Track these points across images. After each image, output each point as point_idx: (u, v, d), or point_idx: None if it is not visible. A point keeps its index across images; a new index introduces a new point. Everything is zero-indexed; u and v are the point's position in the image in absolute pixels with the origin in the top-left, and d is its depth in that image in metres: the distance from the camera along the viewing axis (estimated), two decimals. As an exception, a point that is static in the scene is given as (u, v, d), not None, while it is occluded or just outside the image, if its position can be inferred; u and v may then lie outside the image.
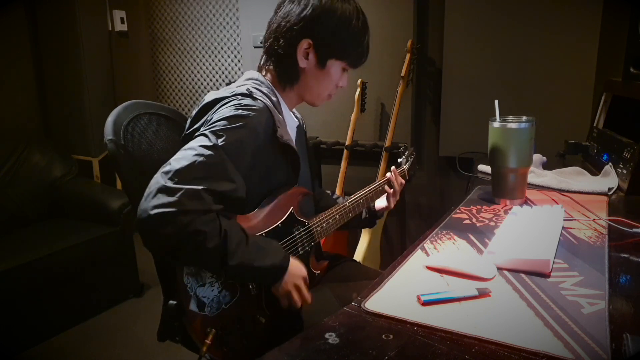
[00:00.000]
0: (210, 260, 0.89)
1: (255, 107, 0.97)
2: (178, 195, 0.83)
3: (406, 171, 1.44)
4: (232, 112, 0.95)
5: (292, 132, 1.13)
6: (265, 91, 1.05)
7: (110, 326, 2.25)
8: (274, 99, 1.06)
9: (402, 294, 0.79)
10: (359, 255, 2.27)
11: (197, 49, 3.06)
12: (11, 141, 2.58)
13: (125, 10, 3.07)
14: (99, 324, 2.27)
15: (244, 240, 0.92)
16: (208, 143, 0.90)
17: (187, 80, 3.16)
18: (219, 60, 3.02)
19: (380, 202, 1.37)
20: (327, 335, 0.66)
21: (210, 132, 0.92)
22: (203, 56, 3.06)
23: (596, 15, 1.94)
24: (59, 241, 2.20)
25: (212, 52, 3.02)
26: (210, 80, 3.09)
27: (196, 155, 0.88)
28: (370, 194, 1.28)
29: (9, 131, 2.66)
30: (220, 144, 0.90)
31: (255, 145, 0.97)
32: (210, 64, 3.05)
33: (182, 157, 0.88)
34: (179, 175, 0.85)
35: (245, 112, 0.95)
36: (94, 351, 2.06)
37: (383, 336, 0.66)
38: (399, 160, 1.48)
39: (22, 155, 2.56)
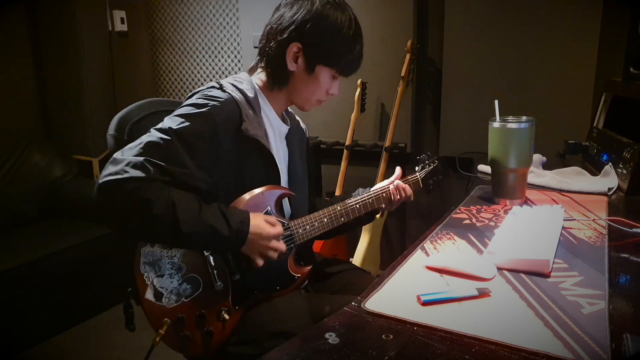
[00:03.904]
0: (161, 229, 0.90)
1: (219, 98, 1.00)
2: (122, 164, 0.89)
3: (420, 179, 1.30)
4: (195, 101, 1.00)
5: (272, 132, 1.12)
6: (243, 87, 1.06)
7: (110, 326, 2.25)
8: (250, 95, 1.06)
9: (402, 294, 0.79)
10: (359, 255, 2.27)
11: (197, 49, 3.06)
12: (11, 141, 2.58)
13: (125, 10, 3.07)
14: (99, 324, 2.27)
15: (197, 209, 0.92)
16: (161, 126, 0.95)
17: (187, 80, 3.16)
18: (219, 60, 3.01)
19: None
20: (327, 335, 0.66)
21: (168, 117, 0.98)
22: (203, 56, 3.05)
23: (596, 15, 1.94)
24: (59, 241, 2.20)
25: (212, 52, 3.02)
26: (210, 80, 3.09)
27: (148, 135, 0.94)
28: (370, 200, 1.19)
29: (9, 131, 2.66)
30: (172, 127, 0.94)
31: (213, 134, 0.98)
32: (210, 64, 3.05)
33: (138, 139, 0.95)
34: (129, 150, 0.92)
35: (206, 101, 0.99)
36: (94, 351, 2.06)
37: (383, 336, 0.66)
38: (416, 168, 1.34)
39: (22, 155, 2.56)
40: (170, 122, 0.95)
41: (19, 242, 2.24)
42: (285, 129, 1.18)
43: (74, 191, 2.58)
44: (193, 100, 1.00)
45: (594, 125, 1.73)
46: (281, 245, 1.03)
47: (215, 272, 0.99)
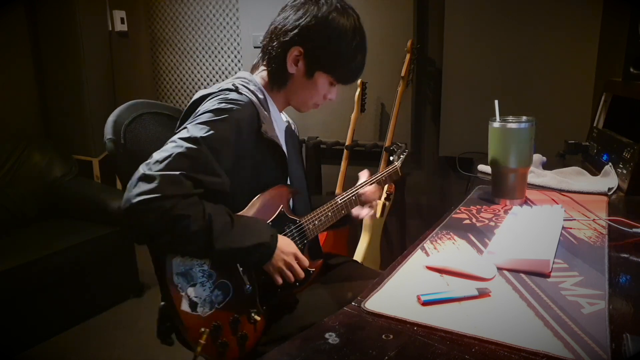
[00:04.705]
0: (196, 245, 0.90)
1: (240, 101, 0.99)
2: (157, 181, 0.85)
3: (398, 168, 1.41)
4: (216, 106, 0.97)
5: (279, 131, 1.14)
6: (252, 88, 1.06)
7: (110, 326, 2.25)
8: (260, 96, 1.07)
9: (402, 294, 0.78)
10: (359, 255, 2.27)
11: (197, 49, 3.06)
12: (11, 141, 2.58)
13: (125, 10, 3.07)
14: (99, 324, 2.27)
15: (230, 223, 0.93)
16: (189, 135, 0.92)
17: (187, 80, 3.16)
18: (219, 60, 3.02)
19: (356, 211, 1.30)
20: (327, 335, 0.66)
21: (192, 124, 0.94)
22: (203, 56, 3.05)
23: (596, 15, 1.94)
24: (59, 241, 2.20)
25: (212, 52, 3.02)
26: (210, 80, 3.09)
27: (176, 146, 0.90)
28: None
29: (9, 131, 2.66)
30: (201, 136, 0.92)
31: (237, 139, 0.98)
32: (210, 64, 3.05)
33: (163, 149, 0.91)
34: (158, 164, 0.88)
35: (229, 106, 0.97)
36: (94, 351, 2.06)
37: (383, 336, 0.66)
38: (391, 158, 1.46)
39: (22, 155, 2.56)
40: (196, 130, 0.93)
41: (19, 242, 2.24)
42: (283, 125, 1.20)
43: (74, 191, 2.58)
44: (214, 105, 0.97)
45: (594, 125, 1.72)
46: (301, 272, 1.05)
47: (244, 274, 1.00)
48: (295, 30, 1.04)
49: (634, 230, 1.03)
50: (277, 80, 1.11)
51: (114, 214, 2.38)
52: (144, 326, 2.21)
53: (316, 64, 1.08)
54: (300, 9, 1.05)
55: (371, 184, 1.28)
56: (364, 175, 1.31)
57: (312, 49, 1.06)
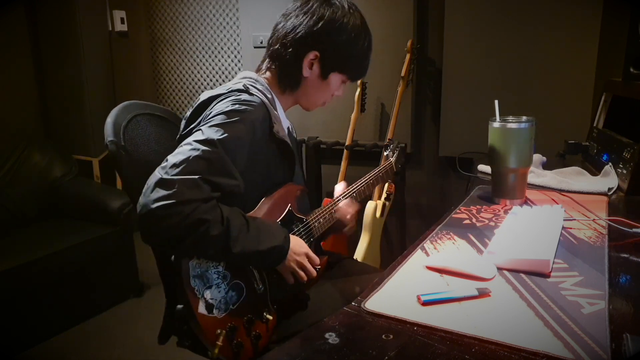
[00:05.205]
0: (214, 249, 0.89)
1: (252, 102, 0.99)
2: (176, 186, 0.84)
3: (393, 163, 1.45)
4: (230, 107, 0.96)
5: (286, 132, 1.15)
6: (261, 88, 1.07)
7: (110, 326, 2.25)
8: (269, 96, 1.07)
9: (402, 294, 0.79)
10: (359, 255, 2.27)
11: (197, 49, 3.06)
12: (11, 141, 2.58)
13: (125, 10, 3.07)
14: (99, 324, 2.27)
15: (245, 226, 0.93)
16: (204, 137, 0.91)
17: (187, 80, 3.16)
18: (219, 60, 3.02)
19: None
20: (327, 335, 0.66)
21: (206, 127, 0.93)
22: (203, 56, 3.05)
23: (596, 15, 1.94)
24: (59, 241, 2.20)
25: (212, 52, 3.02)
26: (210, 80, 3.09)
27: (192, 149, 0.89)
28: (362, 187, 1.28)
29: (9, 131, 2.66)
30: (217, 138, 0.90)
31: (252, 140, 0.97)
32: (210, 64, 3.05)
33: (179, 152, 0.89)
34: (175, 168, 0.86)
35: (243, 107, 0.96)
36: (94, 351, 2.06)
37: (383, 336, 0.66)
38: (385, 153, 1.49)
39: (22, 155, 2.56)
40: (211, 132, 0.91)
41: (19, 242, 2.24)
42: (287, 125, 1.20)
43: (74, 191, 2.58)
44: (227, 106, 0.96)
45: (594, 125, 1.72)
46: (313, 272, 1.05)
47: (256, 274, 1.00)
48: (311, 36, 1.06)
49: (634, 230, 1.03)
50: (290, 84, 1.12)
51: (114, 214, 2.39)
52: (144, 326, 2.21)
53: (331, 65, 1.10)
54: (315, 14, 1.06)
55: (367, 182, 1.30)
56: (339, 187, 1.29)
57: (328, 52, 1.08)
